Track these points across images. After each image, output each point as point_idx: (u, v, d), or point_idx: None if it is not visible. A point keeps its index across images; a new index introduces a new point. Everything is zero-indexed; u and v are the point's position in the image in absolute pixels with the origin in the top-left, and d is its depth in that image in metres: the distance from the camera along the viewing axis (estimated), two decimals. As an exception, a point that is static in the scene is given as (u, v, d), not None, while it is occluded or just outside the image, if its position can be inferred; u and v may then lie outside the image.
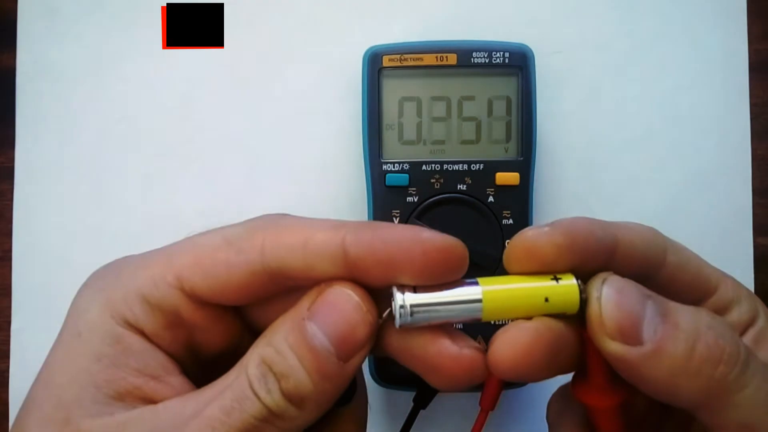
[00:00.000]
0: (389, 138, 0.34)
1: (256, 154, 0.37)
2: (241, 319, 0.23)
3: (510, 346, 0.20)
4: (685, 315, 0.20)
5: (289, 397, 0.20)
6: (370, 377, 0.34)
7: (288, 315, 0.21)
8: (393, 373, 0.34)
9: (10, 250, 0.37)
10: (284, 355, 0.20)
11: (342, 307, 0.20)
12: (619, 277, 0.21)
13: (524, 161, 0.34)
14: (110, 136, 0.38)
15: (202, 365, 0.23)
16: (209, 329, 0.22)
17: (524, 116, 0.34)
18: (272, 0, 0.38)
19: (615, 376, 0.21)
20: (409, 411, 0.33)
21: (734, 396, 0.19)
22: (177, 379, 0.21)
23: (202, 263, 0.21)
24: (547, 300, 0.20)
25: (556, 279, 0.21)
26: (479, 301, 0.21)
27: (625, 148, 0.37)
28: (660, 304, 0.20)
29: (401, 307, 0.20)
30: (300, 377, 0.20)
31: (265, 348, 0.20)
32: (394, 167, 0.34)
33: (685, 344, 0.19)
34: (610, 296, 0.20)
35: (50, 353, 0.21)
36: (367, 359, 0.34)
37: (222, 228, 0.22)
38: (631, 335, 0.19)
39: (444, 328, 0.21)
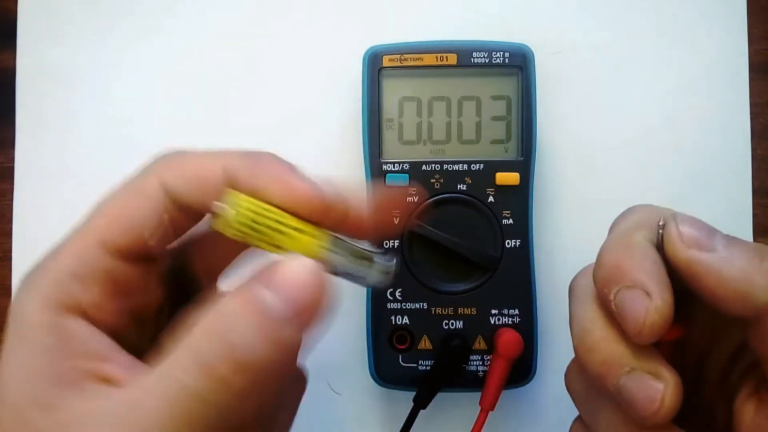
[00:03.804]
0: (389, 138, 0.34)
1: (256, 154, 0.37)
2: (180, 275, 0.24)
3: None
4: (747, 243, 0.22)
5: (242, 368, 0.19)
6: (370, 377, 0.34)
7: (238, 287, 0.21)
8: (393, 373, 0.34)
9: (10, 250, 0.37)
10: (237, 323, 0.20)
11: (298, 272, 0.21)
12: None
13: (524, 161, 0.34)
14: (110, 136, 0.38)
15: (150, 335, 0.24)
16: (147, 287, 0.23)
17: (524, 116, 0.34)
18: (272, 0, 0.38)
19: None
20: (409, 411, 0.33)
21: None
22: (125, 357, 0.21)
23: (115, 218, 0.22)
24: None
25: None
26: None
27: (625, 148, 0.37)
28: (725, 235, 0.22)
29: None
30: (254, 345, 0.19)
31: (208, 316, 0.20)
32: (394, 167, 0.34)
33: (756, 251, 0.21)
34: (684, 219, 0.22)
35: None
36: (367, 360, 0.34)
37: (121, 182, 0.23)
38: (705, 244, 0.21)
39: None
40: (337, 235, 0.22)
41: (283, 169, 0.22)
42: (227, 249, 0.25)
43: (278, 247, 0.22)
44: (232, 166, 0.22)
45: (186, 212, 0.23)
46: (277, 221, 0.21)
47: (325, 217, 0.22)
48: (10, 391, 0.20)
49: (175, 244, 0.24)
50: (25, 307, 0.21)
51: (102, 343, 0.21)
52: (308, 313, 0.21)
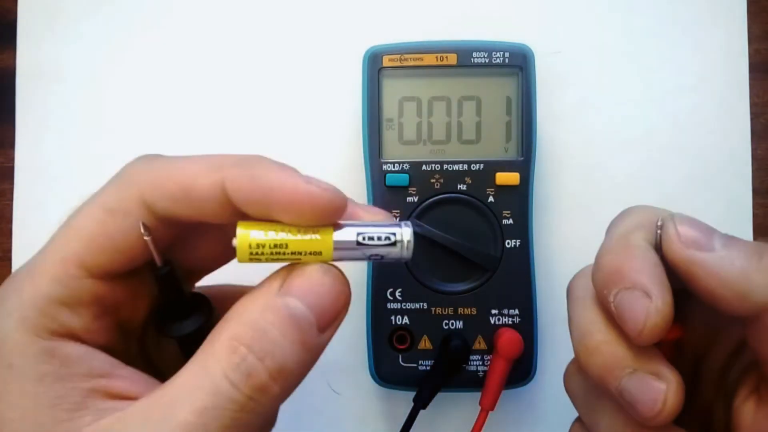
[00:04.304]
0: (389, 138, 0.34)
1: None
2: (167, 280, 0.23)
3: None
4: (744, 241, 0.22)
5: (280, 375, 0.20)
6: (370, 377, 0.34)
7: (257, 295, 0.21)
8: (393, 373, 0.34)
9: (10, 250, 0.37)
10: (271, 332, 0.20)
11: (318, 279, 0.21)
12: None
13: (524, 161, 0.34)
14: (110, 136, 0.38)
15: (137, 341, 0.24)
16: (133, 299, 0.22)
17: (524, 116, 0.34)
18: (272, 0, 0.38)
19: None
20: (409, 411, 0.33)
21: None
22: (127, 371, 0.21)
23: (93, 239, 0.21)
24: None
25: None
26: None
27: (625, 148, 0.37)
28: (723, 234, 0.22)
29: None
30: (289, 352, 0.20)
31: (239, 328, 0.20)
32: (394, 167, 0.34)
33: (754, 250, 0.21)
34: (682, 219, 0.22)
35: None
36: (367, 360, 0.34)
37: (94, 197, 0.22)
38: (704, 244, 0.21)
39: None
40: (345, 223, 0.22)
41: (280, 174, 0.21)
42: (214, 251, 0.25)
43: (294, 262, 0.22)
44: (227, 178, 0.21)
45: (170, 223, 0.22)
46: (289, 250, 0.21)
47: (330, 215, 0.22)
48: (9, 424, 0.19)
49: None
50: (9, 337, 0.20)
51: (100, 360, 0.21)
52: (331, 316, 0.21)
